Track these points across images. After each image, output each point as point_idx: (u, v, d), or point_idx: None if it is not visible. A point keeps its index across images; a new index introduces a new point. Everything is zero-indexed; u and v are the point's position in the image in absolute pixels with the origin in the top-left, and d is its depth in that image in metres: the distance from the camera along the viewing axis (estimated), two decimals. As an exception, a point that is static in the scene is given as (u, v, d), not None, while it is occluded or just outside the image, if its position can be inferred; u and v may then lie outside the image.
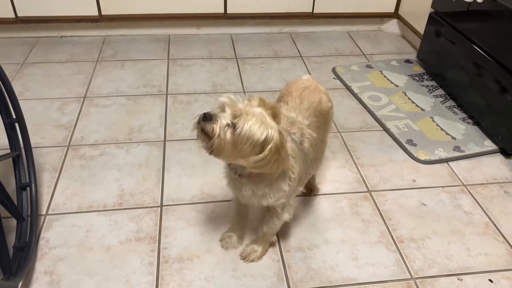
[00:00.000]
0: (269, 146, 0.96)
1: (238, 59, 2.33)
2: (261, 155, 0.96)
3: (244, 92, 2.04)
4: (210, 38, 2.52)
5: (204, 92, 2.04)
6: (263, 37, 2.56)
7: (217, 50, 2.40)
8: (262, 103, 0.99)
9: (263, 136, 0.96)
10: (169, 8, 2.38)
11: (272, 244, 1.31)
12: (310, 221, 1.40)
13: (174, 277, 1.21)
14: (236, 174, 1.09)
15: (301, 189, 1.20)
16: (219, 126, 0.95)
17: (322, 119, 1.23)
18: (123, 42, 2.42)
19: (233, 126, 0.95)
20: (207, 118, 0.96)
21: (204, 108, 1.92)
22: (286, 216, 1.20)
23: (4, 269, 1.08)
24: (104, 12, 2.33)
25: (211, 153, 0.99)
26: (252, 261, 1.27)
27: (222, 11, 2.42)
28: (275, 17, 2.53)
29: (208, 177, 1.55)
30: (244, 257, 1.28)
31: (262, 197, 1.11)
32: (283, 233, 1.35)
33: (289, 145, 1.08)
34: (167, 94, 2.00)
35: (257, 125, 0.95)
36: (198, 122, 0.97)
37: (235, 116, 0.95)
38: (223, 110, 0.98)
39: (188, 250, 1.29)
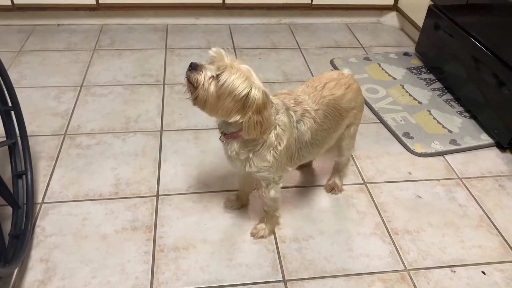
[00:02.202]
0: (249, 102, 0.98)
1: (236, 49, 2.32)
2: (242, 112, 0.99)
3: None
4: (208, 29, 2.51)
5: (201, 82, 2.02)
6: (261, 28, 2.55)
7: (215, 41, 2.39)
8: None
9: (245, 92, 0.97)
10: (167, -3, 2.36)
11: (278, 223, 1.34)
12: (306, 212, 1.41)
13: (170, 266, 1.21)
14: (221, 132, 1.11)
15: (290, 168, 1.20)
16: (203, 77, 0.98)
17: (336, 113, 1.23)
18: (120, 31, 2.40)
19: (217, 78, 0.97)
20: (192, 67, 0.99)
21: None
22: (272, 193, 1.20)
23: (0, 256, 1.09)
24: (101, 0, 2.31)
25: (195, 103, 1.01)
26: (262, 237, 1.30)
27: (220, 1, 2.40)
28: (274, 8, 2.51)
29: (205, 167, 1.55)
30: (254, 234, 1.31)
31: (245, 161, 1.12)
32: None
33: (281, 118, 1.10)
34: (164, 84, 1.99)
35: (240, 80, 0.97)
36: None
37: (220, 69, 0.97)
38: (212, 63, 1.00)
39: (183, 239, 1.29)
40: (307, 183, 1.52)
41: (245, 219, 1.37)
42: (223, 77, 0.97)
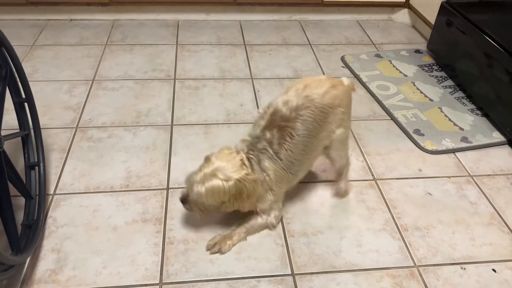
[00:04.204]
0: (227, 195, 1.15)
1: (246, 45, 2.32)
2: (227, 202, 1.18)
3: (252, 79, 2.04)
4: (219, 24, 2.51)
5: (212, 77, 2.04)
6: (272, 24, 2.55)
7: (226, 36, 2.39)
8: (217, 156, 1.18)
9: (219, 190, 1.14)
10: (178, -7, 2.37)
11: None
12: (315, 207, 1.41)
13: (179, 258, 1.22)
14: None
15: (284, 190, 1.28)
16: (189, 201, 1.21)
17: (317, 111, 1.19)
18: (132, 27, 2.42)
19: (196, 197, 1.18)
20: (181, 201, 1.25)
21: (212, 93, 1.92)
22: (273, 221, 1.30)
23: (13, 245, 1.10)
24: (113, -5, 2.33)
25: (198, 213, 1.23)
26: (220, 251, 1.25)
27: (231, -3, 2.41)
28: (285, 4, 2.51)
29: (214, 162, 1.55)
30: (209, 247, 1.26)
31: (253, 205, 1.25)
32: (287, 218, 1.36)
33: (264, 164, 1.19)
34: (175, 79, 2.00)
35: (211, 184, 1.14)
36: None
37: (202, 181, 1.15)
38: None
39: (193, 232, 1.30)
40: (316, 178, 1.52)
41: (254, 213, 1.37)
42: (199, 193, 1.15)
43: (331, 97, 1.22)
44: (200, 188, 1.14)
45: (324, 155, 1.35)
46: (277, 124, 1.19)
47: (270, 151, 1.19)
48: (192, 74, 2.05)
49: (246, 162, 1.17)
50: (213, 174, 1.14)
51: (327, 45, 2.36)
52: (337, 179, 1.45)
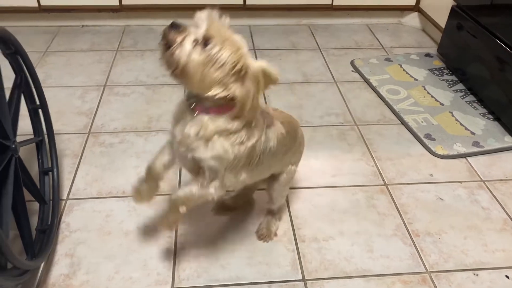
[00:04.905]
0: (247, 74, 0.86)
1: (255, 50, 2.33)
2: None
3: (262, 84, 2.04)
4: (228, 29, 2.52)
5: (222, 82, 2.04)
6: (281, 29, 2.56)
7: (235, 41, 2.40)
8: None
9: (241, 62, 0.85)
10: (188, -2, 2.39)
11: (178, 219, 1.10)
12: (326, 213, 1.41)
13: (191, 263, 1.23)
14: (191, 104, 0.94)
15: (241, 177, 1.04)
16: (184, 37, 0.83)
17: (294, 135, 1.17)
18: (142, 32, 2.44)
19: (205, 43, 0.84)
20: (173, 26, 0.85)
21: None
22: (211, 190, 0.99)
23: (28, 250, 1.12)
24: (124, 2, 2.36)
25: (173, 72, 0.85)
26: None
27: (241, 2, 2.42)
28: (294, 8, 2.52)
29: (225, 167, 1.56)
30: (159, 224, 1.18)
31: (200, 145, 0.95)
32: (297, 223, 1.36)
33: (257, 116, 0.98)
34: (185, 84, 2.02)
35: (233, 49, 0.85)
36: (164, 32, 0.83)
37: (209, 34, 0.84)
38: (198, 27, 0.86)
39: (204, 237, 1.31)
40: (327, 184, 1.52)
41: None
42: (212, 43, 0.83)
43: (301, 134, 1.23)
44: (226, 44, 0.86)
45: (266, 189, 1.25)
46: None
47: (266, 122, 1.05)
48: (202, 79, 2.06)
49: None
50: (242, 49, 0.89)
51: (336, 49, 2.36)
52: (265, 218, 1.32)
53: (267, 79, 0.90)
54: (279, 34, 2.50)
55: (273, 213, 1.33)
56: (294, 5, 2.48)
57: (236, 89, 0.88)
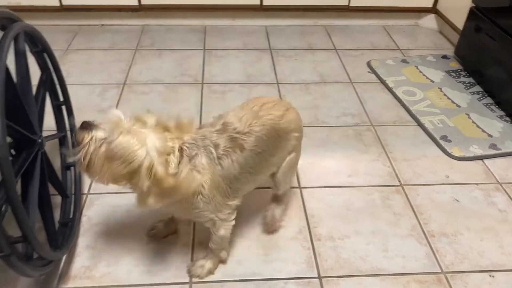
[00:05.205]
0: (140, 167, 0.91)
1: (272, 50, 2.35)
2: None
3: (278, 83, 2.06)
4: (244, 30, 2.55)
5: (238, 82, 2.07)
6: (297, 30, 2.57)
7: (252, 42, 2.43)
8: (158, 123, 0.98)
9: (135, 155, 0.90)
10: (206, -1, 2.43)
11: (222, 262, 1.23)
12: (341, 212, 1.42)
13: (208, 258, 1.25)
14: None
15: (234, 203, 1.12)
16: (92, 137, 0.92)
17: (273, 133, 1.12)
18: (161, 32, 2.48)
19: (110, 141, 0.91)
20: (83, 126, 0.94)
21: (238, 98, 1.95)
22: (222, 232, 1.13)
23: (51, 242, 1.16)
24: (143, 1, 2.40)
25: (80, 168, 0.94)
26: (198, 276, 1.19)
27: (258, 2, 2.44)
28: (310, 9, 2.53)
29: (242, 165, 1.58)
30: (189, 271, 1.21)
31: (183, 211, 1.10)
32: (313, 221, 1.38)
33: (197, 160, 1.01)
34: (202, 83, 2.04)
35: (137, 146, 0.91)
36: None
37: (116, 132, 0.91)
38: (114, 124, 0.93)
39: (221, 233, 1.33)
40: (343, 184, 1.53)
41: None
42: (117, 140, 0.90)
43: (287, 121, 1.17)
44: (130, 140, 0.91)
45: (270, 175, 1.26)
46: (229, 133, 1.07)
47: (214, 152, 1.03)
48: (219, 79, 2.09)
49: (176, 153, 0.98)
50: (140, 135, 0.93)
51: (353, 50, 2.37)
52: (270, 206, 1.35)
53: (155, 180, 0.93)
54: (296, 34, 2.52)
55: (278, 200, 1.34)
56: (310, 6, 2.50)
57: (136, 182, 0.94)
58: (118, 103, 1.88)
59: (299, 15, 2.60)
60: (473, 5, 2.07)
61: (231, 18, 2.59)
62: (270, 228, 1.33)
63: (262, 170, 1.15)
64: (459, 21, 2.24)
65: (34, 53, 1.27)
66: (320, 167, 1.59)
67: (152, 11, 2.49)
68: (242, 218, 1.38)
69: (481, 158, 1.65)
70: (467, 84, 2.08)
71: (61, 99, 1.42)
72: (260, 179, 1.17)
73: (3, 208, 0.98)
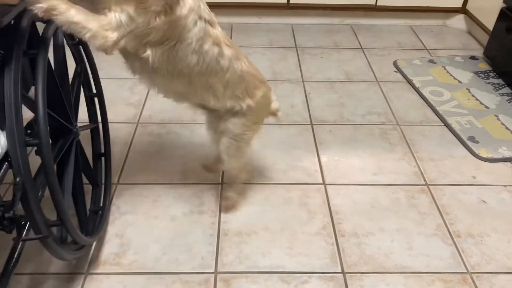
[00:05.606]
0: None
1: (298, 48, 2.36)
2: None
3: (303, 81, 2.07)
4: (270, 28, 2.57)
5: (264, 79, 2.09)
6: (323, 28, 2.57)
7: (278, 39, 2.44)
8: None
9: None
10: (233, -3, 2.45)
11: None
12: (366, 209, 1.42)
13: (233, 249, 1.28)
14: None
15: (146, 53, 0.97)
16: None
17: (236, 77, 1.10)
18: (188, 29, 2.51)
19: None
20: None
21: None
22: (108, 34, 0.90)
23: (82, 228, 1.20)
24: None
25: None
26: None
27: (285, 1, 2.45)
28: (338, 8, 2.53)
29: (266, 160, 1.60)
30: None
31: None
32: (338, 218, 1.38)
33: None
34: (228, 79, 2.07)
35: None
36: None
37: None
38: None
39: (246, 225, 1.35)
40: (368, 182, 1.53)
41: (305, 212, 1.40)
42: None
43: (255, 89, 1.17)
44: None
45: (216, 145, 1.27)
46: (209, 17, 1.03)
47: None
48: (245, 75, 2.11)
49: None
50: None
51: (379, 50, 2.36)
52: (229, 187, 1.42)
53: None
54: (322, 33, 2.52)
55: (229, 183, 1.37)
56: (337, 4, 2.49)
57: None
58: (146, 97, 1.92)
59: (326, 14, 2.60)
60: (504, 5, 2.04)
61: (257, 16, 2.61)
62: (226, 207, 1.39)
63: (196, 77, 1.05)
64: (489, 21, 2.20)
65: (70, 46, 1.31)
66: (345, 165, 1.60)
67: (180, 8, 2.53)
68: (266, 212, 1.40)
69: (510, 160, 1.63)
70: (496, 86, 2.05)
71: (94, 91, 1.47)
72: (180, 82, 1.07)
73: (39, 193, 1.03)
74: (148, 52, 0.96)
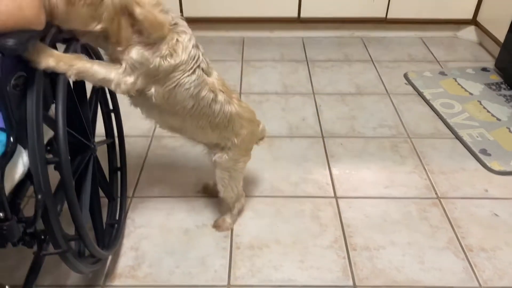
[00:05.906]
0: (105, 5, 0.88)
1: (308, 61, 2.39)
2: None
3: (314, 94, 2.10)
4: (282, 41, 2.60)
5: (275, 92, 2.12)
6: (334, 41, 2.60)
7: (289, 53, 2.48)
8: None
9: None
10: (244, 11, 2.49)
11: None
12: (377, 223, 1.43)
13: (245, 262, 1.30)
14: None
15: (151, 90, 1.05)
16: None
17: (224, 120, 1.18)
18: (202, 43, 2.52)
19: None
20: None
21: (275, 108, 2.00)
22: (125, 79, 1.00)
23: (99, 241, 1.23)
24: (186, 14, 2.49)
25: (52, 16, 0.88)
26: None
27: (295, 15, 2.49)
28: (347, 21, 2.56)
29: (278, 173, 1.62)
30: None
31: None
32: (349, 231, 1.40)
33: (184, 37, 1.07)
34: (240, 93, 2.11)
35: None
36: None
37: None
38: None
39: (258, 239, 1.37)
40: (379, 195, 1.54)
41: (317, 225, 1.42)
42: None
43: (248, 133, 1.25)
44: None
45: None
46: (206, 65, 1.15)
47: (190, 45, 1.10)
48: (256, 89, 2.14)
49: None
50: None
51: (389, 62, 2.37)
52: (221, 213, 1.43)
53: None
54: (332, 46, 2.55)
55: (228, 208, 1.40)
56: (347, 18, 2.53)
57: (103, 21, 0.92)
58: (160, 111, 1.96)
59: (336, 27, 2.63)
60: (515, 17, 2.04)
61: (269, 30, 2.65)
62: (219, 229, 1.41)
63: (177, 107, 1.11)
64: (500, 32, 2.21)
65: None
66: (356, 178, 1.61)
67: (193, 24, 2.57)
68: (278, 225, 1.42)
69: (522, 173, 1.63)
70: (508, 97, 2.04)
71: (111, 107, 1.51)
72: (178, 116, 1.14)
73: (58, 208, 1.06)
74: (152, 90, 1.05)
